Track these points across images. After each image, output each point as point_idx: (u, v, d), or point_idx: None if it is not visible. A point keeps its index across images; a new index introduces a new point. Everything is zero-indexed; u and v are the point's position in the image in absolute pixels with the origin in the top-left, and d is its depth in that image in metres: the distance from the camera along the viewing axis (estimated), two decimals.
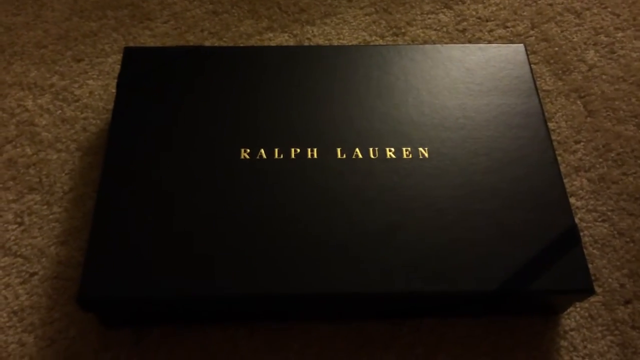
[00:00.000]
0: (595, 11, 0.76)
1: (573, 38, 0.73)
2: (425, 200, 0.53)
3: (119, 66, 0.66)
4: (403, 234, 0.51)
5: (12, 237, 0.56)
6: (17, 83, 0.66)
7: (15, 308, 0.53)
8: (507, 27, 0.74)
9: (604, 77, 0.70)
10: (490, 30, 0.73)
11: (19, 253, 0.55)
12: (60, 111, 0.64)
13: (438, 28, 0.73)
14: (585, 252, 0.57)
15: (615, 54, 0.72)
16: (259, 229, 0.50)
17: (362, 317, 0.54)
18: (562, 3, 0.76)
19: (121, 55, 0.64)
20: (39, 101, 0.65)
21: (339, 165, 0.54)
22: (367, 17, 0.74)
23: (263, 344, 0.52)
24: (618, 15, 0.75)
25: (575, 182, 0.62)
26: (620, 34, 0.73)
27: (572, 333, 0.54)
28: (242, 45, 0.71)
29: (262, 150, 0.55)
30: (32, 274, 0.54)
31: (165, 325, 0.52)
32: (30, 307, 0.53)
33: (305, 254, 0.49)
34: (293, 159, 0.54)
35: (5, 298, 0.53)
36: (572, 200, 0.60)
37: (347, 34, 0.73)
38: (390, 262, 0.49)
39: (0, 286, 0.54)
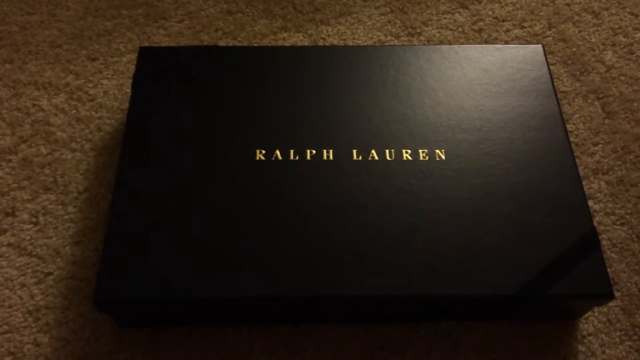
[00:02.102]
0: (614, 11, 0.75)
1: (591, 38, 0.72)
2: (442, 203, 0.52)
3: (133, 65, 0.66)
4: (420, 237, 0.50)
5: (27, 237, 0.56)
6: (32, 82, 0.66)
7: (31, 308, 0.53)
8: (524, 27, 0.73)
9: (622, 78, 0.69)
10: (507, 30, 0.73)
11: (34, 253, 0.55)
12: (75, 111, 0.64)
13: (454, 28, 0.73)
14: (604, 256, 0.56)
15: (634, 55, 0.71)
16: (275, 231, 0.50)
17: (379, 320, 0.53)
18: (580, 3, 0.75)
19: (136, 54, 0.64)
20: (53, 101, 0.65)
21: (354, 166, 0.54)
22: (382, 16, 0.74)
23: (278, 346, 0.52)
24: (637, 16, 0.74)
25: (593, 185, 0.61)
26: (639, 35, 0.72)
27: (590, 338, 0.53)
28: (256, 44, 0.71)
29: (278, 152, 0.54)
30: (47, 274, 0.54)
31: (180, 326, 0.52)
32: (45, 307, 0.53)
33: (321, 256, 0.49)
34: (309, 160, 0.54)
35: (21, 298, 0.53)
36: (590, 203, 0.60)
37: (362, 33, 0.72)
38: (407, 264, 0.49)
39: (15, 286, 0.54)
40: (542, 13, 0.74)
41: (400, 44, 0.71)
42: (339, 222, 0.51)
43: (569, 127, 0.65)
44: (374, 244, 0.50)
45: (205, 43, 0.70)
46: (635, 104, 0.67)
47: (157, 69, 0.60)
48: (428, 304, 0.51)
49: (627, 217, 0.59)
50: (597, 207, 0.60)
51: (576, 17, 0.74)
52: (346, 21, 0.73)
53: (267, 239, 0.50)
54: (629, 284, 0.56)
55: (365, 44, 0.71)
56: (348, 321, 0.53)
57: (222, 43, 0.71)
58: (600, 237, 0.58)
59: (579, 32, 0.73)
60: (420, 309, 0.52)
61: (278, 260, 0.49)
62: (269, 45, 0.71)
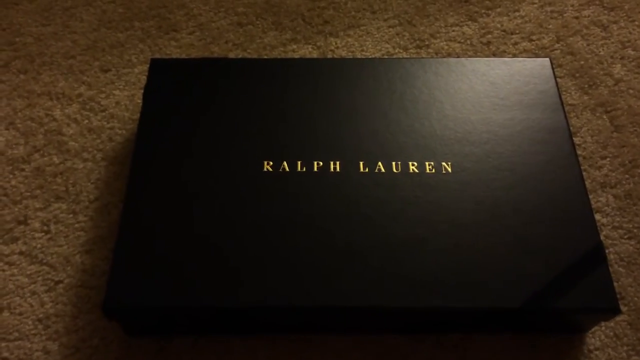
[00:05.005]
0: (623, 24, 0.75)
1: (599, 52, 0.72)
2: (448, 215, 0.52)
3: (144, 77, 0.68)
4: (425, 249, 0.50)
5: (39, 245, 0.57)
6: (45, 93, 0.67)
7: (41, 316, 0.54)
8: (532, 40, 0.73)
9: (630, 91, 0.69)
10: (515, 43, 0.73)
11: (44, 261, 0.56)
12: (87, 121, 0.65)
13: (462, 41, 0.73)
14: (611, 269, 0.56)
15: None
16: (282, 242, 0.51)
17: (383, 331, 0.53)
18: (589, 16, 0.75)
19: (147, 65, 0.65)
20: (66, 111, 0.66)
21: (361, 178, 0.54)
22: (391, 29, 0.74)
23: (283, 356, 0.52)
24: None
25: (600, 199, 0.61)
26: None
27: (597, 352, 0.53)
28: (266, 56, 0.72)
29: (285, 163, 0.55)
30: (57, 282, 0.55)
31: (187, 335, 0.53)
32: (55, 315, 0.54)
33: (327, 266, 0.49)
34: (316, 171, 0.54)
35: (31, 306, 0.54)
36: (597, 216, 0.60)
37: (370, 45, 0.73)
38: (413, 276, 0.49)
39: (26, 294, 0.55)
40: (550, 26, 0.75)
41: (408, 56, 0.72)
42: (345, 234, 0.51)
43: (576, 140, 0.65)
44: (379, 255, 0.50)
45: (216, 55, 0.71)
46: None
47: (167, 80, 0.61)
48: (433, 315, 0.51)
49: (635, 231, 0.59)
50: (604, 220, 0.60)
51: (585, 31, 0.74)
52: (355, 33, 0.74)
53: (274, 249, 0.50)
54: (636, 299, 0.55)
55: (373, 56, 0.72)
56: (353, 331, 0.53)
57: (232, 55, 0.72)
58: (607, 250, 0.58)
59: (587, 45, 0.73)
60: (425, 320, 0.52)
61: (285, 270, 0.49)
62: (279, 57, 0.72)
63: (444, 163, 0.55)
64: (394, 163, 0.55)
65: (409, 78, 0.61)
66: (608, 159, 0.64)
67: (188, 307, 0.48)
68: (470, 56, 0.72)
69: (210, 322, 0.52)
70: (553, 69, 0.62)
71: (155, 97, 0.59)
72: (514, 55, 0.72)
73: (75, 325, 0.53)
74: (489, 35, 0.74)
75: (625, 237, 0.59)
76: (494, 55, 0.72)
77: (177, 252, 0.50)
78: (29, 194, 0.60)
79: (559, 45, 0.73)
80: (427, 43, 0.73)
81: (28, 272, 0.56)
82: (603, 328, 0.54)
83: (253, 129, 0.57)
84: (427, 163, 0.55)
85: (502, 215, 0.52)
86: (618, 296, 0.54)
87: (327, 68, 0.62)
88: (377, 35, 0.74)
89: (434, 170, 0.55)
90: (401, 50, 0.73)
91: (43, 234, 0.58)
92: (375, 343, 0.53)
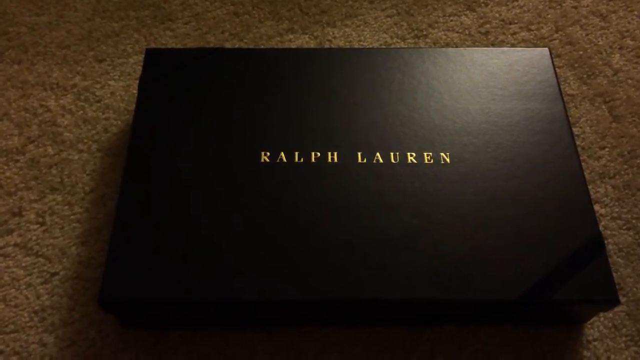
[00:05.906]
0: (622, 14, 0.74)
1: (598, 41, 0.72)
2: (446, 206, 0.52)
3: (140, 67, 0.67)
4: (424, 240, 0.50)
5: (34, 237, 0.57)
6: (39, 83, 0.67)
7: (37, 308, 0.53)
8: (531, 29, 0.73)
9: (629, 81, 0.68)
10: (514, 33, 0.72)
11: (40, 253, 0.56)
12: (82, 112, 0.65)
13: (460, 30, 0.73)
14: (610, 260, 0.56)
15: None
16: (279, 233, 0.50)
17: (382, 323, 0.53)
18: (588, 6, 0.75)
19: (142, 56, 0.65)
20: (61, 101, 0.65)
21: (359, 169, 0.54)
22: (389, 18, 0.74)
23: (281, 349, 0.52)
24: None
25: (599, 189, 0.61)
26: None
27: (595, 343, 0.53)
28: (262, 46, 0.71)
29: (282, 154, 0.54)
30: (53, 274, 0.55)
31: (183, 328, 0.52)
32: (51, 307, 0.53)
33: (325, 258, 0.49)
34: (313, 162, 0.54)
35: (27, 298, 0.54)
36: (596, 207, 0.59)
37: (368, 35, 0.72)
38: (411, 268, 0.49)
39: (21, 286, 0.54)
40: (549, 16, 0.74)
41: (406, 46, 0.71)
42: (343, 225, 0.51)
43: (575, 130, 0.65)
44: (377, 247, 0.50)
45: (212, 45, 0.71)
46: None
47: (163, 70, 0.60)
48: (432, 307, 0.51)
49: (634, 221, 0.59)
50: (603, 211, 0.60)
51: (583, 20, 0.73)
52: (352, 23, 0.73)
53: (271, 241, 0.50)
54: (634, 289, 0.55)
55: (371, 46, 0.71)
56: (351, 324, 0.53)
57: (228, 44, 0.71)
58: (606, 241, 0.58)
59: (586, 35, 0.72)
60: (424, 312, 0.52)
61: (282, 262, 0.49)
62: (275, 47, 0.71)
63: (442, 153, 0.55)
64: (392, 153, 0.55)
65: (407, 68, 0.60)
66: (607, 150, 0.63)
67: (185, 300, 0.48)
68: (468, 46, 0.71)
69: (208, 315, 0.52)
70: (552, 58, 0.61)
71: (150, 87, 0.59)
72: (513, 45, 0.72)
73: (71, 318, 0.53)
74: (488, 25, 0.73)
75: (624, 227, 0.59)
76: (493, 45, 0.72)
77: (174, 243, 0.49)
78: (23, 185, 0.59)
79: (557, 35, 0.72)
80: (425, 33, 0.72)
81: (23, 264, 0.55)
82: (602, 319, 0.54)
83: (250, 120, 0.57)
84: (425, 154, 0.55)
85: (501, 206, 0.52)
86: (617, 287, 0.54)
87: (324, 58, 0.61)
88: (374, 25, 0.73)
89: (432, 161, 0.54)
90: (399, 40, 0.72)
91: (38, 225, 0.57)
92: (374, 335, 0.53)
